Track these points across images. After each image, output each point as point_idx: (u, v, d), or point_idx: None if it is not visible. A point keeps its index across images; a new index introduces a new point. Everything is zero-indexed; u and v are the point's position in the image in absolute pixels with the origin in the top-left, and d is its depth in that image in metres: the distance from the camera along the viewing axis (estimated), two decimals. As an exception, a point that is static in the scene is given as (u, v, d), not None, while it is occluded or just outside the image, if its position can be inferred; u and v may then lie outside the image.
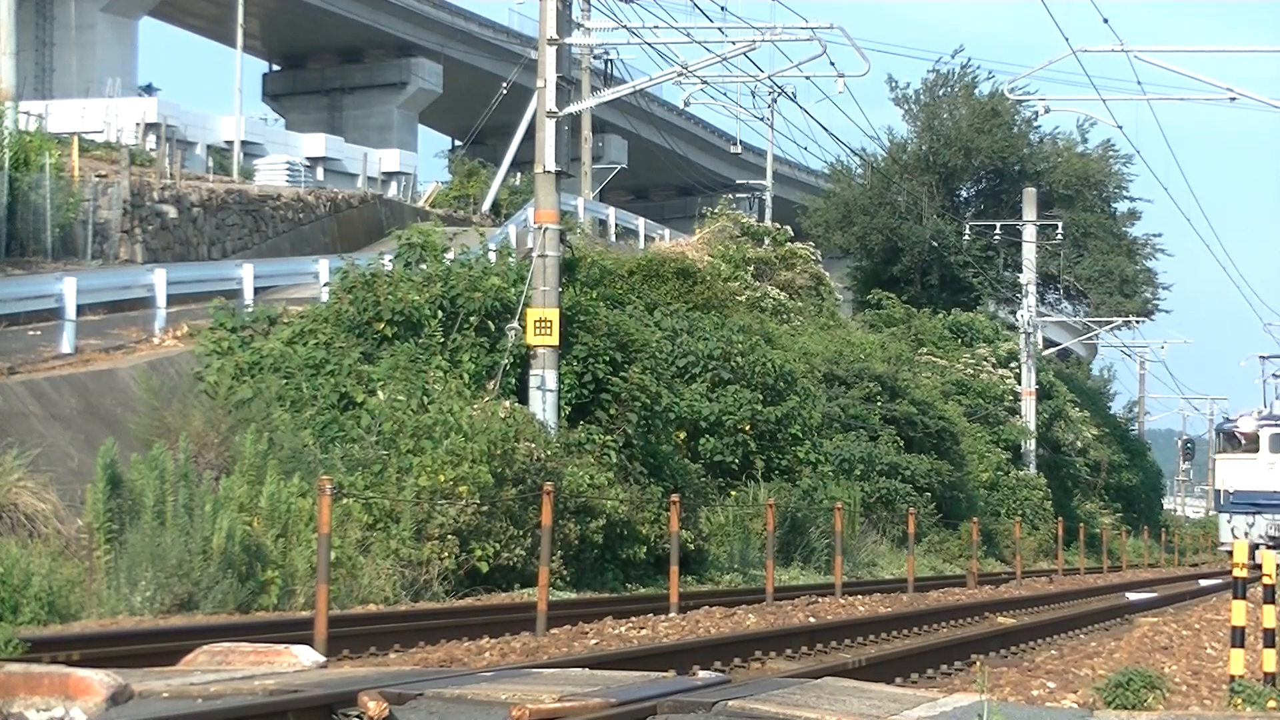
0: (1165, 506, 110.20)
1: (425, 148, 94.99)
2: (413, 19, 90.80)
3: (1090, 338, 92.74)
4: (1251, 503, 60.58)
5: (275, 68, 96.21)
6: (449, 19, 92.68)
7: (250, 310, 35.25)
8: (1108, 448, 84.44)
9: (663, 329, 41.02)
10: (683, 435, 38.99)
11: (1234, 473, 61.56)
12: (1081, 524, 65.27)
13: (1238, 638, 15.11)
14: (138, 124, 62.78)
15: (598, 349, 33.59)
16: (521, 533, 27.82)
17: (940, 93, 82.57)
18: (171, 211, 48.63)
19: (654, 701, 11.01)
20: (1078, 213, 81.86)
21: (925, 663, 17.57)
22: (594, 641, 19.67)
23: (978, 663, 11.45)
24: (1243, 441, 62.16)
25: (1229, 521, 60.88)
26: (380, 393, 29.58)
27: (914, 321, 69.96)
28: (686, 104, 55.24)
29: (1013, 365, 70.20)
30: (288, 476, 24.92)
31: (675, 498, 26.49)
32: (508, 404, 29.74)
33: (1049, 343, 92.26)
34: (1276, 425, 63.15)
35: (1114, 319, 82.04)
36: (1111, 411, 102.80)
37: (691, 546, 33.39)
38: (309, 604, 21.82)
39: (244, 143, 66.16)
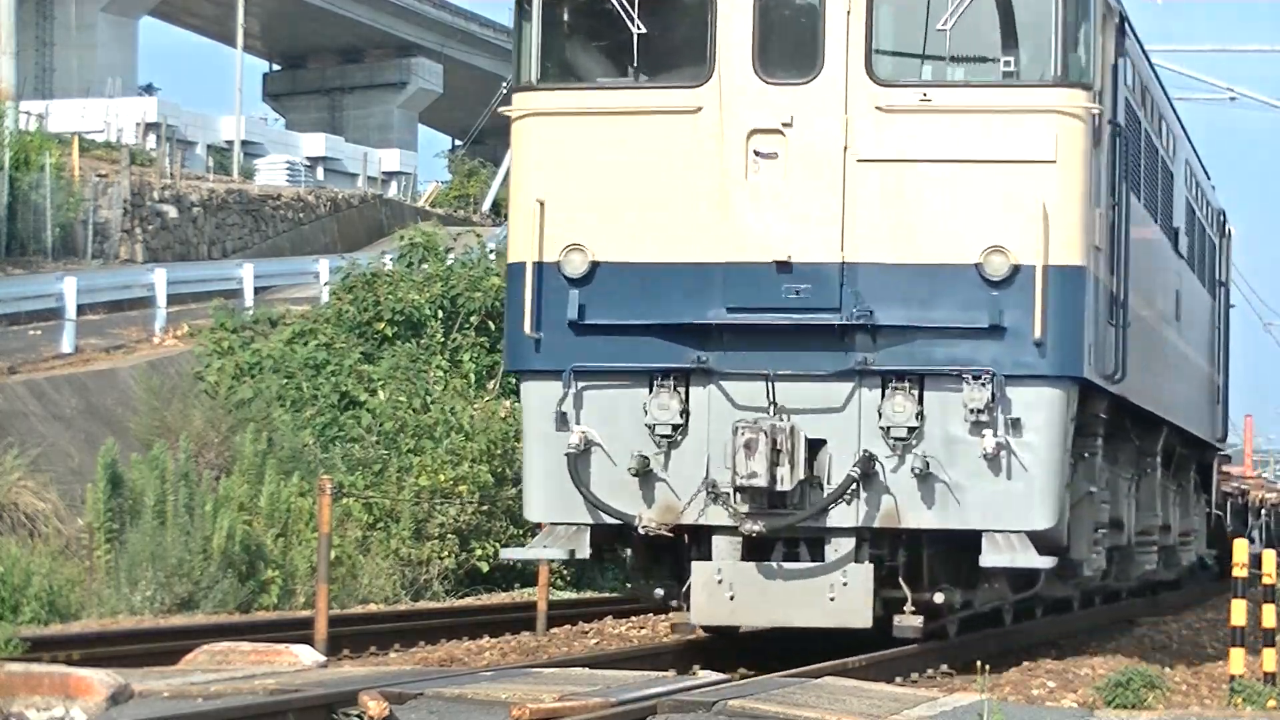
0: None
1: (425, 148, 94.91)
2: (413, 19, 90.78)
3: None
4: (669, 324, 15.61)
5: (275, 68, 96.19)
6: (449, 19, 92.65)
7: (250, 310, 35.27)
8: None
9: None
10: (683, 435, 38.94)
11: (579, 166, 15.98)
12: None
13: (1238, 638, 15.11)
14: (138, 124, 62.74)
15: (598, 349, 33.58)
16: (522, 532, 27.81)
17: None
18: (172, 211, 48.64)
19: (654, 701, 11.01)
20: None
21: (925, 663, 17.56)
22: (594, 641, 19.67)
23: (977, 662, 11.45)
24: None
25: (559, 418, 15.72)
26: (381, 392, 29.58)
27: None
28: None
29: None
30: (288, 476, 24.94)
31: (675, 497, 26.15)
32: (508, 404, 29.74)
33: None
34: None
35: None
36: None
37: (691, 546, 33.34)
38: (309, 604, 21.82)
39: (244, 142, 66.13)
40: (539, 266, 15.85)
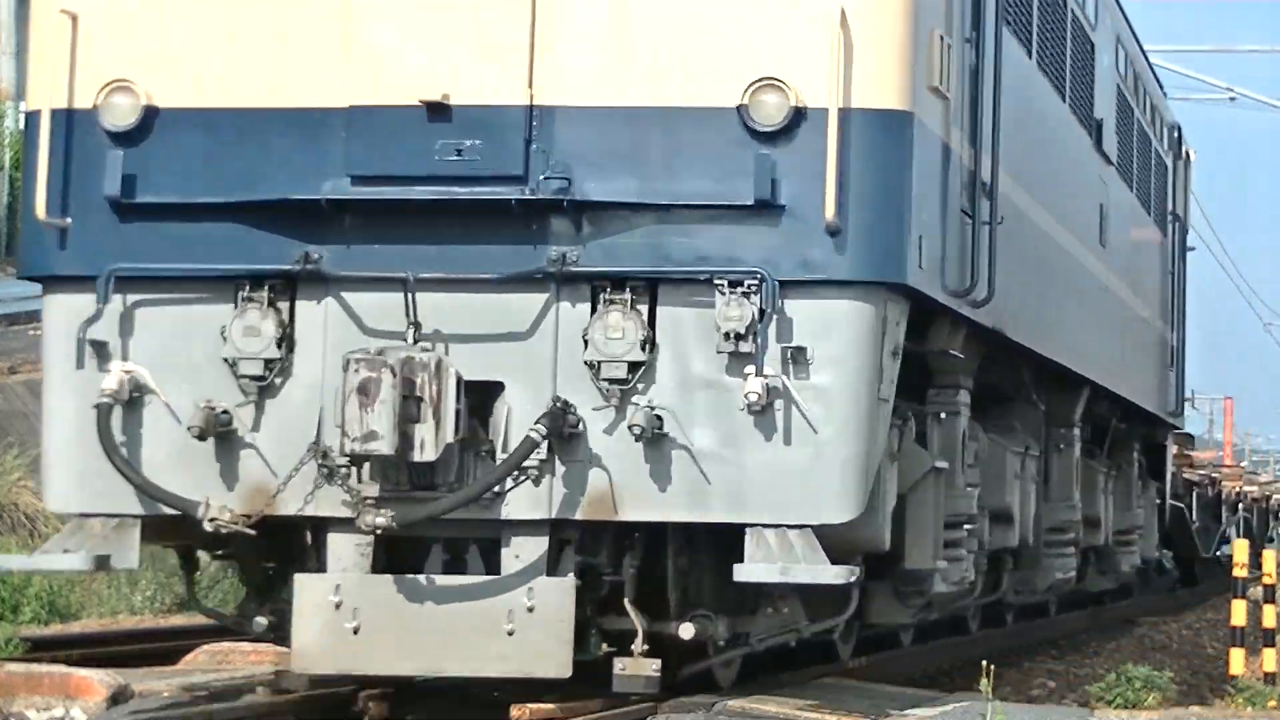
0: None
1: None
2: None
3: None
4: (263, 203, 10.48)
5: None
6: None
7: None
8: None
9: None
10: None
11: None
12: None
13: (1238, 638, 15.14)
14: (138, 124, 62.90)
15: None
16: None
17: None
18: (172, 211, 48.77)
19: (654, 701, 10.99)
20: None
21: (926, 662, 17.57)
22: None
23: (979, 662, 11.44)
24: None
25: (93, 350, 10.44)
26: (380, 392, 29.58)
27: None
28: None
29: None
30: (288, 476, 24.95)
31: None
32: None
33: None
34: None
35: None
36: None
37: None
38: (309, 604, 21.80)
39: (244, 142, 66.26)
40: (65, 115, 10.50)
